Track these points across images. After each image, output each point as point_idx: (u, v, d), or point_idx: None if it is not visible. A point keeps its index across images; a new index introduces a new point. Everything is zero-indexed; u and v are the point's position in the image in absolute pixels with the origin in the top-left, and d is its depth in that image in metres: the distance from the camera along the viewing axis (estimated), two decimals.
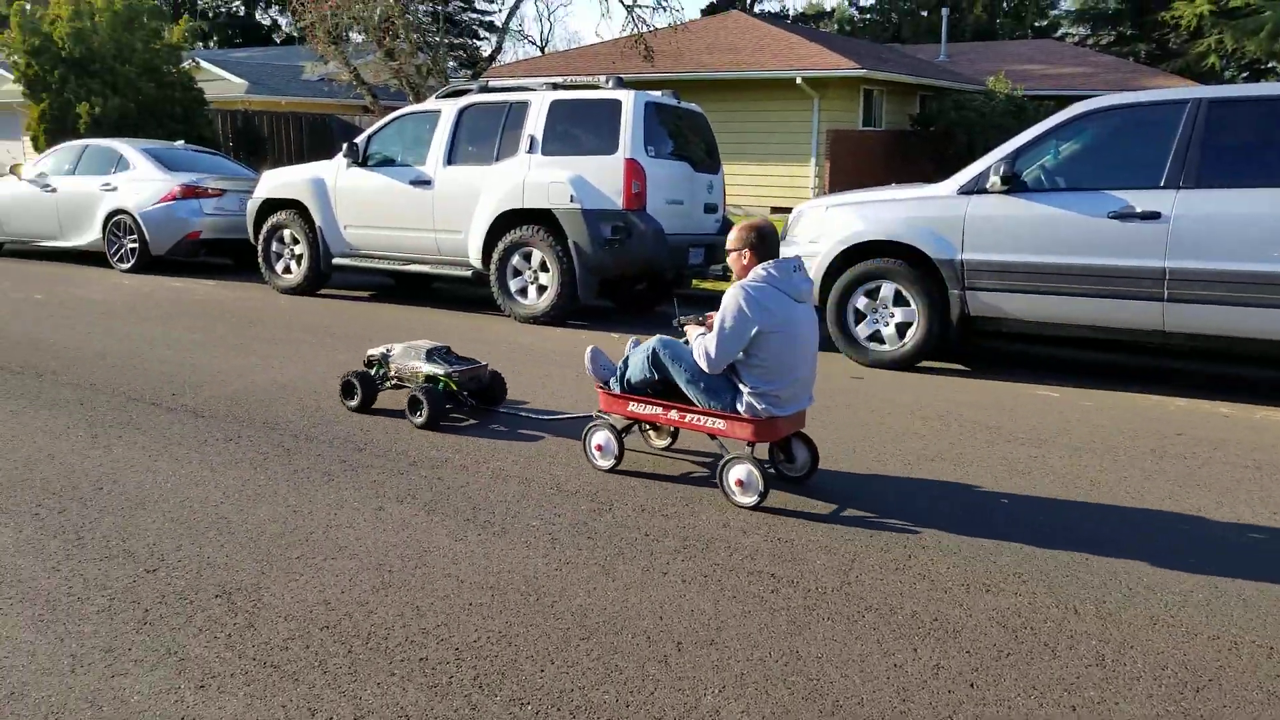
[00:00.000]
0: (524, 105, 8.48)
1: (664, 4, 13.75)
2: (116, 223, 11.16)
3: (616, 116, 7.96)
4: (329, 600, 3.20)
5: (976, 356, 7.47)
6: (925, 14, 44.21)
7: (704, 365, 4.07)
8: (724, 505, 4.08)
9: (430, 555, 3.55)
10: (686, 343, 4.27)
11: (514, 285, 8.37)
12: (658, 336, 4.39)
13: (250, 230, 10.09)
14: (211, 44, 42.31)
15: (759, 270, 4.05)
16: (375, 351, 5.68)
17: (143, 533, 3.70)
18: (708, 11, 42.05)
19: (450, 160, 8.71)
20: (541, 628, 3.03)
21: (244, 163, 14.67)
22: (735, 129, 17.53)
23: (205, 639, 2.93)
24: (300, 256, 9.67)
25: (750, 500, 4.05)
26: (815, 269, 6.92)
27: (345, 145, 9.34)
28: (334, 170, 9.44)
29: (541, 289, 8.24)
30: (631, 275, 8.48)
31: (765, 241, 4.09)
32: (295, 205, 9.64)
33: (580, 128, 8.24)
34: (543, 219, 8.16)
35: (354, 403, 5.44)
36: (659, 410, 4.30)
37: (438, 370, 5.33)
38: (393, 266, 9.21)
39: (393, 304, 9.33)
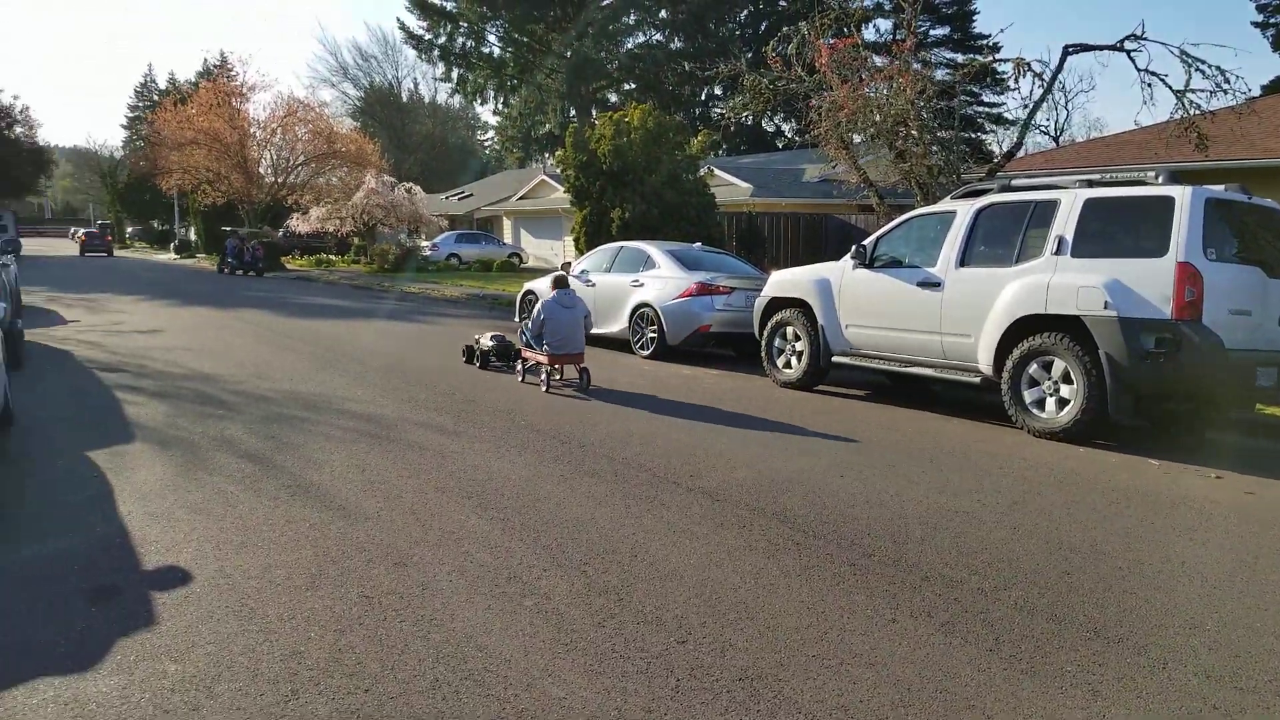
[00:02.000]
0: (1051, 204, 8.17)
1: (1224, 86, 12.37)
2: (641, 315, 12.83)
3: (1167, 215, 7.30)
4: (847, 706, 3.25)
5: None
6: None
7: (530, 332, 9.98)
8: None
9: (951, 682, 3.45)
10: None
11: (1029, 396, 7.98)
12: (525, 320, 10.86)
13: (755, 325, 10.95)
14: (721, 151, 47.29)
15: (551, 294, 9.97)
16: (476, 336, 11.68)
17: (672, 604, 4.11)
18: (1271, 88, 37.13)
19: (963, 262, 8.65)
20: None
21: (747, 261, 16.00)
22: None
23: None
24: (800, 353, 10.23)
25: (542, 387, 9.64)
26: None
27: (854, 247, 9.76)
28: (840, 271, 9.90)
29: (1062, 402, 7.74)
30: (1178, 394, 7.60)
31: (557, 283, 10.11)
32: (799, 304, 10.27)
33: (1120, 227, 7.70)
34: (1068, 326, 7.71)
35: (464, 359, 11.57)
36: (532, 354, 10.03)
37: (490, 344, 11.29)
38: (892, 367, 9.33)
39: (888, 404, 9.42)
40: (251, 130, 40.22)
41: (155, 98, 66.12)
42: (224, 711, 3.17)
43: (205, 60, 63.99)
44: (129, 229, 70.06)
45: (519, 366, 10.46)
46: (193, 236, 52.51)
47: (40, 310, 18.12)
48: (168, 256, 51.28)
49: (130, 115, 73.99)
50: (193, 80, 58.68)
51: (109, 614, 3.97)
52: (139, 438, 7.23)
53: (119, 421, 7.86)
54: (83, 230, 60.50)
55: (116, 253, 56.72)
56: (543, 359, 9.81)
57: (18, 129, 64.31)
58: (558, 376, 10.04)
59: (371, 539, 4.89)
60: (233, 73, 46.16)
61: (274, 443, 7.05)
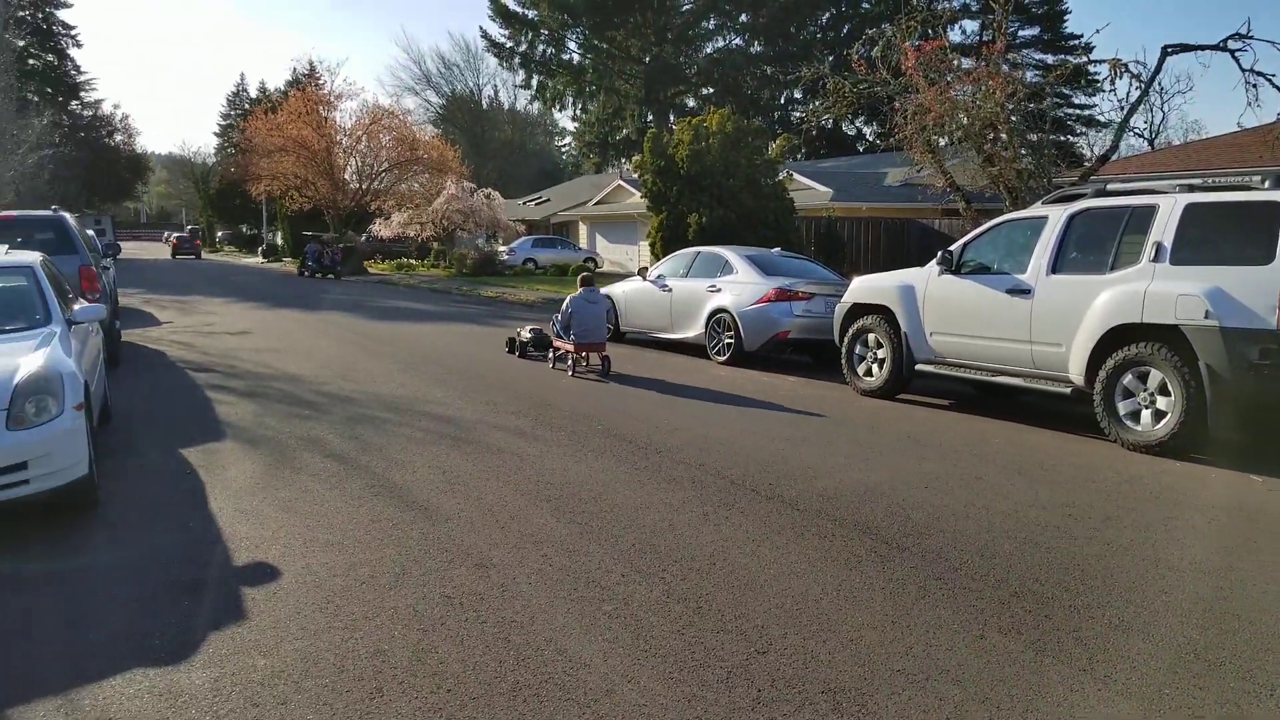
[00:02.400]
0: (1149, 209, 7.89)
1: None
2: (717, 320, 12.79)
3: (1274, 220, 6.98)
4: None
5: None
6: None
7: (560, 323, 11.41)
8: None
9: (1043, 701, 3.35)
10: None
11: (1123, 408, 7.71)
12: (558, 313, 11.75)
13: (835, 332, 10.81)
14: (800, 155, 46.90)
15: (578, 290, 11.37)
16: (517, 329, 13.04)
17: (752, 613, 4.07)
18: None
19: (1055, 269, 8.42)
20: None
21: (827, 267, 15.83)
22: None
23: None
24: (882, 361, 10.07)
25: (569, 372, 11.05)
26: None
27: (940, 253, 9.58)
28: (924, 277, 9.72)
29: (1159, 414, 7.47)
30: None
31: (583, 282, 11.62)
32: (882, 310, 10.10)
33: (1223, 234, 7.41)
34: (1166, 336, 7.44)
35: (507, 350, 12.81)
36: (561, 343, 11.39)
37: (529, 336, 12.61)
38: (979, 376, 9.13)
39: (973, 415, 9.20)
40: (338, 138, 41.28)
41: (246, 106, 68.42)
42: (312, 707, 3.25)
43: (295, 69, 65.87)
44: (219, 233, 72.71)
45: (550, 354, 11.87)
46: (279, 241, 54.21)
47: (136, 311, 18.88)
48: (255, 260, 52.97)
49: (222, 123, 76.75)
50: (282, 89, 60.53)
51: (201, 607, 4.10)
52: (229, 436, 7.47)
53: (210, 420, 8.14)
54: (174, 234, 64.13)
55: (206, 256, 59.17)
56: (569, 347, 11.27)
57: (117, 137, 67.26)
58: (584, 364, 11.41)
59: (452, 539, 4.96)
60: (320, 81, 47.53)
61: (358, 443, 7.22)
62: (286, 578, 4.42)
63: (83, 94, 63.26)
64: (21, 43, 49.94)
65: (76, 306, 7.12)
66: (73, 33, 61.38)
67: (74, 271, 10.28)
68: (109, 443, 7.09)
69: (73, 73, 61.90)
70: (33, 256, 7.38)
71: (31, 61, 56.14)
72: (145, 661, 3.59)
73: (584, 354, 11.31)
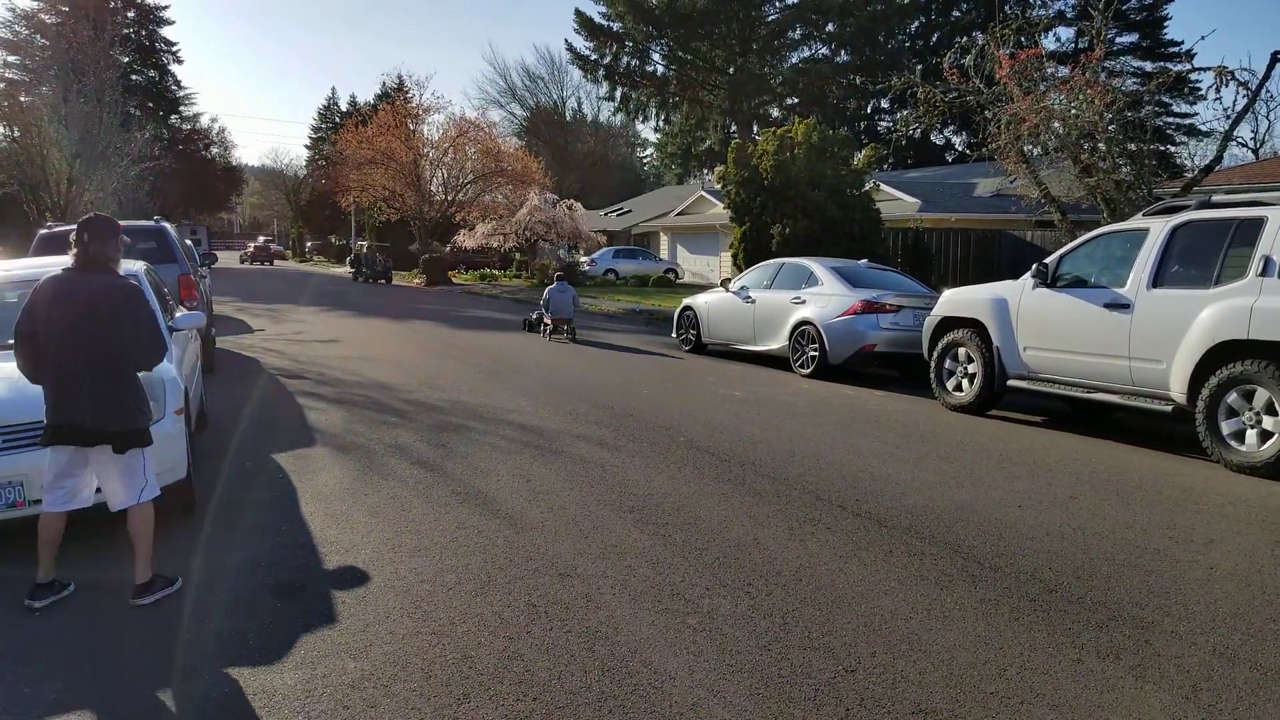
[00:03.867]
0: (1257, 222, 7.59)
1: None
2: (802, 332, 12.69)
3: None
4: None
5: None
6: None
7: (542, 306, 17.46)
8: None
9: None
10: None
11: (1227, 427, 7.42)
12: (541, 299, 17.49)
13: (924, 346, 10.64)
14: (887, 165, 46.21)
15: (554, 284, 17.35)
16: (531, 312, 18.98)
17: (839, 631, 4.04)
18: None
19: (1155, 283, 8.16)
20: None
21: (914, 279, 15.57)
22: None
23: None
24: (973, 375, 9.87)
25: (544, 337, 17.10)
26: None
27: (1034, 265, 9.37)
28: (1018, 290, 9.51)
29: (1265, 435, 7.16)
30: None
31: (560, 278, 17.66)
32: (973, 324, 9.91)
33: None
34: (1273, 353, 7.14)
35: (524, 328, 18.54)
36: (546, 319, 17.23)
37: (535, 317, 18.03)
38: (1074, 393, 8.89)
39: (1068, 433, 8.94)
40: (425, 150, 42.21)
41: (337, 119, 70.45)
42: (400, 711, 3.33)
43: (384, 83, 67.64)
44: (308, 243, 75.10)
45: (541, 328, 17.20)
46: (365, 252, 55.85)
47: (230, 319, 19.60)
48: (343, 270, 54.45)
49: (313, 135, 79.06)
50: (372, 102, 62.18)
51: (293, 609, 4.25)
52: (320, 442, 7.71)
53: (301, 426, 8.41)
54: (252, 244, 71.03)
55: (295, 266, 61.41)
56: (549, 321, 16.86)
57: (214, 149, 70.02)
58: (559, 336, 16.59)
59: (537, 548, 5.04)
60: (409, 95, 48.65)
61: (444, 451, 7.37)
62: (375, 582, 4.54)
63: (182, 108, 65.94)
64: (126, 59, 52.35)
65: (177, 314, 7.43)
66: (174, 49, 64.09)
67: (174, 280, 10.73)
68: (205, 447, 7.38)
69: (173, 88, 64.56)
70: (136, 265, 7.72)
71: (135, 77, 58.67)
72: (240, 661, 3.73)
73: (559, 325, 16.63)
